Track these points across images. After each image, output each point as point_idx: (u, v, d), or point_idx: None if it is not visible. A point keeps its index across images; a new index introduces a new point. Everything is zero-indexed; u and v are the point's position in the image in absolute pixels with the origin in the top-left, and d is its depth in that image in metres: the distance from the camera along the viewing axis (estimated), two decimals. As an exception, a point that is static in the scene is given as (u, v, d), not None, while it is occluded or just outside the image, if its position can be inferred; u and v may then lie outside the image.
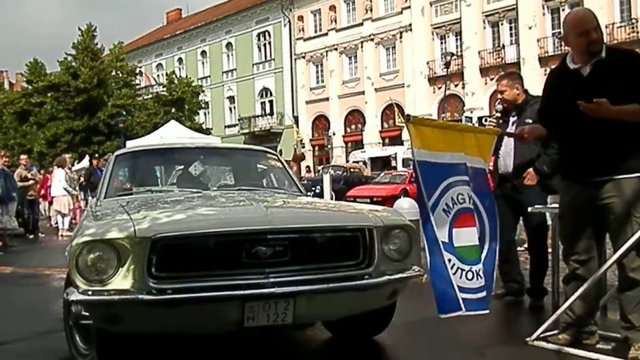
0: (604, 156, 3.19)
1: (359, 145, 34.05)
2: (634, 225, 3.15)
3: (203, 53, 44.29)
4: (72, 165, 14.57)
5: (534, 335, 3.53)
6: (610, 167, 3.18)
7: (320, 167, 28.58)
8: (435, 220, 3.12)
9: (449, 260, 3.12)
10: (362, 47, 35.29)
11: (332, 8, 36.55)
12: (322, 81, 37.64)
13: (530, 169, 4.44)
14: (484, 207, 3.35)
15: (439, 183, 3.18)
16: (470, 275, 3.17)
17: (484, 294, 3.22)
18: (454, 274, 3.12)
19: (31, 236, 11.73)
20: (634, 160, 3.16)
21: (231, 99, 42.79)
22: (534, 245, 4.67)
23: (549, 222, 4.52)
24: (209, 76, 43.57)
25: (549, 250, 4.47)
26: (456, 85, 31.05)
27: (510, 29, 29.80)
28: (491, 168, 5.27)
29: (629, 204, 3.16)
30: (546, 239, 4.61)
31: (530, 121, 4.10)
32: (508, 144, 4.52)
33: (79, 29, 33.67)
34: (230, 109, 42.88)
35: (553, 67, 3.74)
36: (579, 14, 3.41)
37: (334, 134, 36.21)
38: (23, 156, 13.10)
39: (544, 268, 4.56)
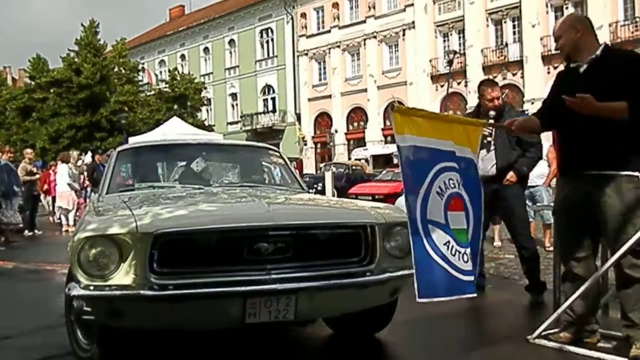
0: (598, 151, 3.22)
1: (361, 142, 34.04)
2: (628, 222, 3.17)
3: (205, 50, 44.28)
4: (78, 160, 14.52)
5: (535, 334, 3.53)
6: (604, 162, 3.21)
7: (322, 165, 28.58)
8: (430, 203, 3.11)
9: (448, 242, 3.12)
10: (364, 44, 35.25)
11: (335, 5, 36.51)
12: (325, 78, 37.61)
13: (512, 172, 4.72)
14: (469, 194, 3.34)
15: (432, 166, 3.17)
16: (465, 257, 3.19)
17: (471, 277, 3.23)
18: (453, 255, 3.12)
19: (30, 234, 11.53)
20: (627, 156, 3.19)
21: (233, 95, 42.79)
22: (523, 242, 4.74)
23: (551, 220, 4.55)
24: (212, 73, 43.56)
25: (550, 248, 4.48)
26: (459, 83, 31.01)
27: (514, 27, 29.75)
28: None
29: (622, 199, 3.18)
30: (531, 232, 4.69)
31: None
32: (488, 147, 4.77)
33: (82, 25, 33.69)
34: (233, 105, 42.87)
35: (556, 65, 3.81)
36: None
37: (336, 132, 36.18)
38: (28, 150, 12.99)
39: (536, 262, 4.69)
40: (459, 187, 3.25)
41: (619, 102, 3.08)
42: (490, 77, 29.88)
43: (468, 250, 3.21)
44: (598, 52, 3.27)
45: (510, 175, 4.69)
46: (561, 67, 3.65)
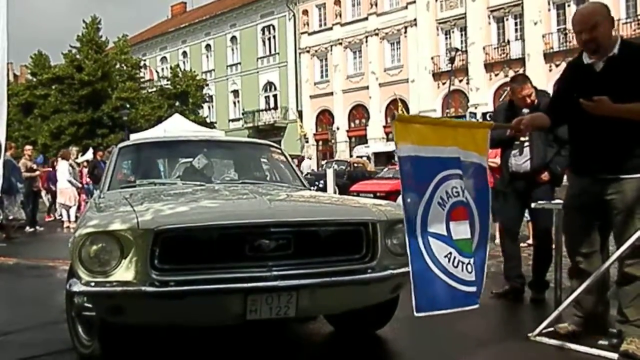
0: (613, 154, 3.18)
1: (362, 140, 34.01)
2: (637, 223, 3.15)
3: (207, 47, 44.26)
4: (77, 156, 14.55)
5: (537, 331, 3.53)
6: (619, 166, 3.18)
7: (324, 162, 28.57)
8: (431, 215, 3.04)
9: (450, 254, 3.05)
10: (366, 41, 35.20)
11: (337, 2, 36.45)
12: (327, 76, 37.56)
13: (546, 171, 4.63)
14: (476, 201, 3.25)
15: (433, 176, 3.08)
16: (469, 268, 3.12)
17: (474, 288, 3.16)
18: (456, 266, 3.05)
19: (31, 230, 11.55)
20: (638, 158, 3.15)
21: (235, 92, 42.78)
22: (541, 239, 4.74)
23: (553, 218, 4.54)
24: (213, 70, 43.54)
25: (553, 245, 4.48)
26: (460, 81, 30.96)
27: (516, 24, 29.68)
28: (496, 164, 5.27)
29: (633, 201, 3.16)
30: (552, 233, 4.66)
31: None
32: (521, 147, 4.64)
33: (84, 21, 33.74)
34: (234, 102, 42.87)
35: (558, 62, 3.71)
36: (579, 11, 3.34)
37: (337, 129, 36.18)
38: (28, 147, 13.09)
39: (548, 262, 4.66)
40: (463, 195, 3.16)
41: (638, 104, 3.02)
42: (492, 74, 29.94)
43: (472, 261, 3.13)
44: (616, 51, 3.17)
45: (544, 175, 4.63)
46: (563, 64, 3.57)
